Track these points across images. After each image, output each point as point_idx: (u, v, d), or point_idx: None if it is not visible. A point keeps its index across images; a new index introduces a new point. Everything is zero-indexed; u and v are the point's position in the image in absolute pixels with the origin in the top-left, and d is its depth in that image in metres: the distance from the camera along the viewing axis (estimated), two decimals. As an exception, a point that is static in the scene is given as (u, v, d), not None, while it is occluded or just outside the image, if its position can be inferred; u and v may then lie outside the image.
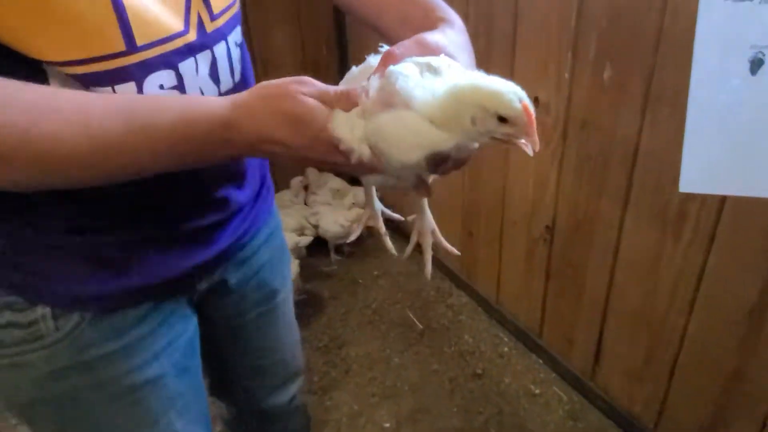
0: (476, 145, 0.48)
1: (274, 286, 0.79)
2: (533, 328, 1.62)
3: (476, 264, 1.80)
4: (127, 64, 0.48)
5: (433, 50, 0.50)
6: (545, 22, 1.23)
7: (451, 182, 1.76)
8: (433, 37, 0.52)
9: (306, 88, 0.47)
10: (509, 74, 1.37)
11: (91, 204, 0.54)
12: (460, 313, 1.84)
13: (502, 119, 0.44)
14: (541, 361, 1.61)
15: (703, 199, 1.02)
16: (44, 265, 0.56)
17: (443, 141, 0.46)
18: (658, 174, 1.09)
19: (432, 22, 0.56)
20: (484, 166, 1.59)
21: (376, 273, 2.07)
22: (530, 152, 0.44)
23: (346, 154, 0.48)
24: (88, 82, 0.47)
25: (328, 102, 0.48)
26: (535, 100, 1.32)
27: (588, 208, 1.28)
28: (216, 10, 0.54)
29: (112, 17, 0.46)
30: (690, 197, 1.03)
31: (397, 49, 0.50)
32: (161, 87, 0.51)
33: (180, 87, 0.52)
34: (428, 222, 0.69)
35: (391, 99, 0.47)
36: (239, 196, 0.66)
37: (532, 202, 1.44)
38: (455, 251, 0.66)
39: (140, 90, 0.50)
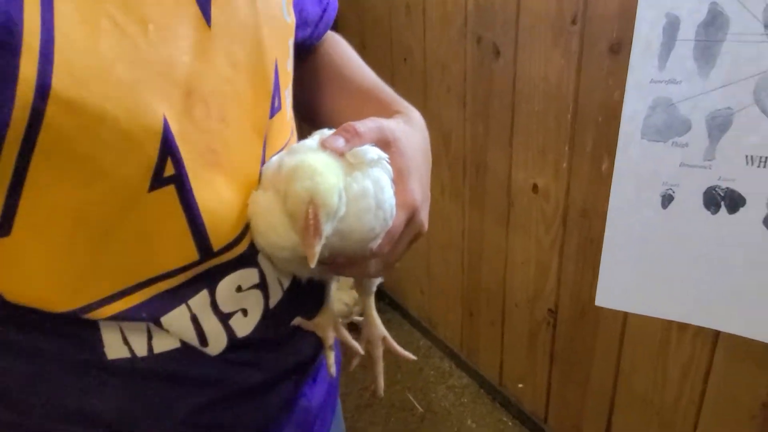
0: (374, 243, 0.41)
1: None
2: (538, 413, 1.58)
3: (478, 345, 1.77)
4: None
5: (389, 139, 0.44)
6: (542, 115, 1.28)
7: (450, 261, 1.77)
8: (389, 123, 0.46)
9: None
10: (507, 160, 1.41)
11: None
12: (462, 396, 1.79)
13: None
14: (547, 447, 1.57)
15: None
16: None
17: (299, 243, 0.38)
18: (660, 263, 1.11)
19: (388, 116, 0.51)
20: (484, 247, 1.60)
21: (373, 352, 2.02)
22: (309, 263, 0.36)
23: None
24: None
25: None
26: (534, 187, 1.36)
27: (592, 293, 1.28)
28: None
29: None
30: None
31: (361, 126, 0.42)
32: (239, 289, 0.44)
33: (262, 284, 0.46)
34: (378, 328, 0.59)
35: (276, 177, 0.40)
36: None
37: (534, 284, 1.45)
38: (412, 356, 0.60)
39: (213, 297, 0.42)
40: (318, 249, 0.35)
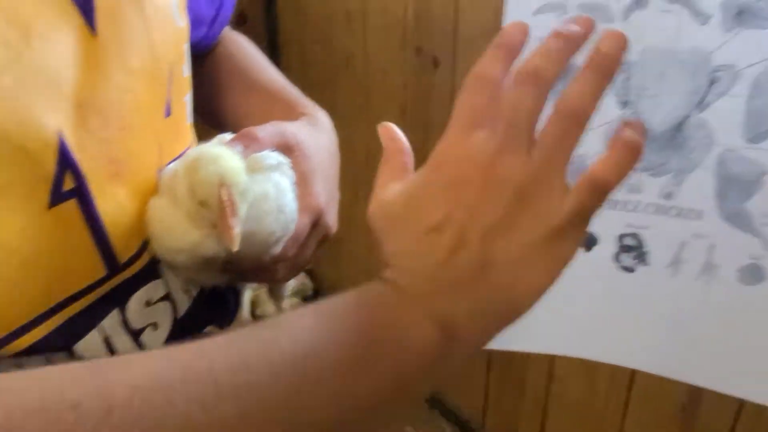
0: (277, 248, 0.41)
1: None
2: (476, 418, 1.60)
3: (417, 351, 1.78)
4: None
5: (291, 143, 0.44)
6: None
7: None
8: (291, 127, 0.46)
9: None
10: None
11: None
12: (401, 403, 1.80)
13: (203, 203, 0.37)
14: (484, 453, 1.59)
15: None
16: None
17: (200, 243, 0.38)
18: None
19: (294, 118, 0.51)
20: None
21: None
22: (231, 246, 0.35)
23: None
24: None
25: None
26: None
27: (526, 302, 1.31)
28: None
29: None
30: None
31: (260, 131, 0.42)
32: (148, 303, 0.42)
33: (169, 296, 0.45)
34: None
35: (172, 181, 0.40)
36: None
37: (472, 293, 1.47)
38: None
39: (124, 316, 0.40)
40: (238, 230, 0.35)
